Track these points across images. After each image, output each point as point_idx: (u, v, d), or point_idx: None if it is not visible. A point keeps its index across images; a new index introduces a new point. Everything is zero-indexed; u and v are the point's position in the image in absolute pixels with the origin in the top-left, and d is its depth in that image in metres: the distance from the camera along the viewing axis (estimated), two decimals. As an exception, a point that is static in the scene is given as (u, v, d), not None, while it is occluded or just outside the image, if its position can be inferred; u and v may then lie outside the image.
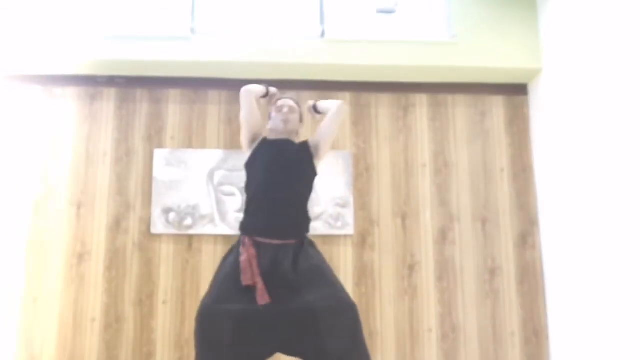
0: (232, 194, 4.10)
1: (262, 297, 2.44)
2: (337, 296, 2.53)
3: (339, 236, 4.12)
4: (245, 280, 2.45)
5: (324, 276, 2.58)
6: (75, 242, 4.02)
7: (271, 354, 2.52)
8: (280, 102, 2.89)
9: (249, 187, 2.74)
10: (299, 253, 2.59)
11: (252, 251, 2.52)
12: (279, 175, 2.68)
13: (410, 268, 4.12)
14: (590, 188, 3.58)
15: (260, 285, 2.45)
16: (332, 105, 2.88)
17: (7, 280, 3.94)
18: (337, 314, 2.49)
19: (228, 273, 2.55)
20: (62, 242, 4.03)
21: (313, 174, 2.79)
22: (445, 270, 4.15)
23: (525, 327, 4.10)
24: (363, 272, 4.10)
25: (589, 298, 3.60)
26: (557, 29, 3.98)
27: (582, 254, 3.68)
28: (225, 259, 2.64)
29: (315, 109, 2.94)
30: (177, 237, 4.08)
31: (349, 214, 4.09)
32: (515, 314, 4.11)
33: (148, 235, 4.05)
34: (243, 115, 2.84)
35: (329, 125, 2.84)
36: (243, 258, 2.50)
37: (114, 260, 4.00)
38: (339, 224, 4.10)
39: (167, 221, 4.05)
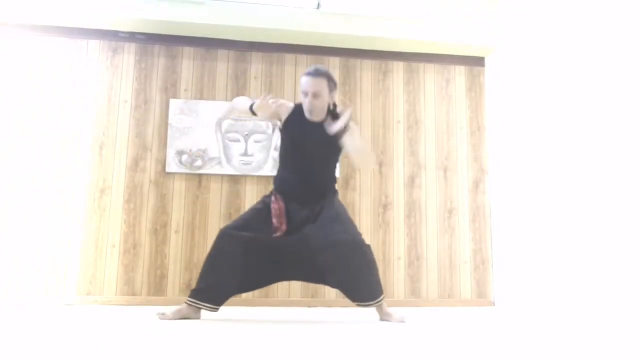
0: (237, 140, 4.31)
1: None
2: (346, 234, 2.67)
3: (326, 179, 4.43)
4: (276, 223, 2.70)
5: (338, 218, 2.72)
6: (98, 178, 4.20)
7: (273, 281, 2.81)
8: (304, 85, 2.67)
9: (284, 153, 2.83)
10: (323, 205, 2.77)
11: (282, 204, 2.75)
12: (307, 156, 2.78)
13: (384, 207, 4.43)
14: (531, 144, 4.01)
15: (284, 227, 2.70)
16: (357, 145, 2.72)
17: (34, 209, 4.09)
18: (343, 249, 2.65)
19: (259, 209, 2.80)
20: (85, 177, 4.19)
21: (338, 150, 2.79)
22: (412, 209, 4.47)
23: (475, 256, 4.46)
24: (346, 209, 4.30)
25: (527, 235, 4.00)
26: (512, 15, 4.37)
27: (522, 198, 4.07)
28: (258, 203, 2.87)
29: (337, 131, 2.62)
30: (188, 176, 4.27)
31: (335, 161, 4.36)
32: (468, 246, 4.48)
33: (163, 174, 4.25)
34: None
35: (349, 152, 2.78)
36: (274, 206, 2.74)
37: (133, 195, 4.20)
38: (327, 168, 4.39)
39: (180, 162, 4.24)
